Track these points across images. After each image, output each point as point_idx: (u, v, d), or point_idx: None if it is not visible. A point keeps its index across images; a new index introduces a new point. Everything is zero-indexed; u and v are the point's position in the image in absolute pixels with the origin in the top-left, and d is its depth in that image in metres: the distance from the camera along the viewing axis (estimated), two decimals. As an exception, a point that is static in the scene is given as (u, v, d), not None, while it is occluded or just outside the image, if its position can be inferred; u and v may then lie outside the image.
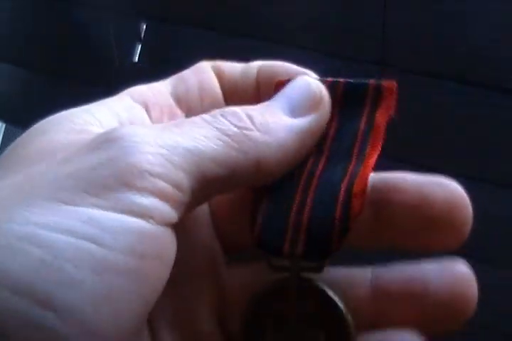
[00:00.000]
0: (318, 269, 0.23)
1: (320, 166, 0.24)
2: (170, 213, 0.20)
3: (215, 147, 0.21)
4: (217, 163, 0.21)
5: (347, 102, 0.24)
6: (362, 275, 0.23)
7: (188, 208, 0.21)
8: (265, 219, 0.23)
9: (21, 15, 0.85)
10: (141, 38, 0.77)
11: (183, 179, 0.20)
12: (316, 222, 0.22)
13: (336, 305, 0.22)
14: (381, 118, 0.24)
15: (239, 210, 0.25)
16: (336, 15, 0.64)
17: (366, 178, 0.23)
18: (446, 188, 0.23)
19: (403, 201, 0.23)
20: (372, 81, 0.24)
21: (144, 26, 0.76)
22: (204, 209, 0.25)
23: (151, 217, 0.19)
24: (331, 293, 0.22)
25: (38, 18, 0.85)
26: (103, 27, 0.78)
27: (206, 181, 0.21)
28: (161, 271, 0.19)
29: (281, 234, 0.23)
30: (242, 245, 0.25)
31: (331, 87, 0.24)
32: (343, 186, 0.23)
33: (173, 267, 0.20)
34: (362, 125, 0.24)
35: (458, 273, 0.22)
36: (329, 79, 0.25)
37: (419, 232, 0.23)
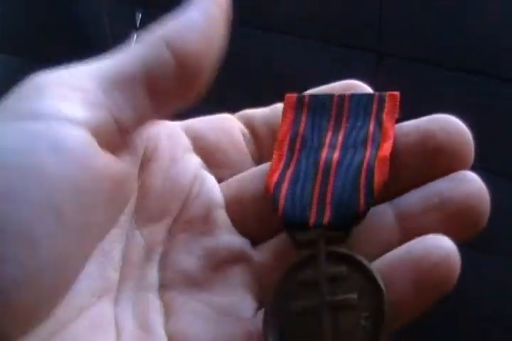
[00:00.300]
0: (344, 239, 0.23)
1: (336, 154, 0.25)
2: (83, 114, 0.21)
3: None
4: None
5: (354, 113, 0.26)
6: (383, 210, 0.24)
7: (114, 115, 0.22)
8: (289, 197, 0.24)
9: (14, 3, 0.85)
10: (136, 26, 0.76)
11: (87, 83, 0.22)
12: (340, 191, 0.24)
13: (365, 267, 0.22)
14: (388, 121, 0.25)
15: (255, 207, 0.26)
16: (336, 5, 0.64)
17: (387, 150, 0.24)
18: (444, 121, 0.24)
19: (406, 141, 0.24)
20: (376, 92, 0.26)
21: (140, 14, 0.76)
22: (221, 213, 0.26)
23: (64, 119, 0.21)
24: (359, 257, 0.23)
25: (31, 6, 0.84)
26: (98, 15, 0.77)
27: (113, 81, 0.22)
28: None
29: (306, 206, 0.24)
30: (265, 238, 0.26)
31: (338, 101, 0.26)
32: (365, 160, 0.24)
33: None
34: (371, 128, 0.25)
35: (472, 185, 0.23)
36: (336, 94, 0.26)
37: (423, 164, 0.24)
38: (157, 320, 0.24)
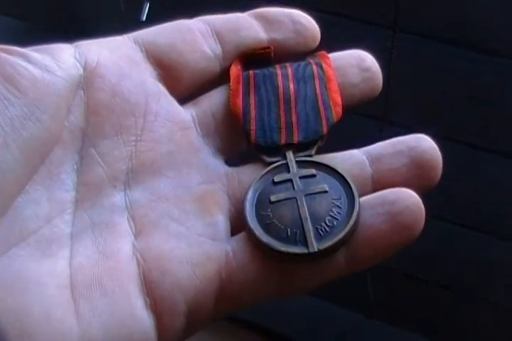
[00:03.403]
0: (310, 156, 0.26)
1: (291, 85, 0.27)
2: None
3: None
4: None
5: (295, 65, 0.28)
6: (354, 151, 0.26)
7: None
8: (258, 123, 0.27)
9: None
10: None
11: None
12: (304, 116, 0.27)
13: (332, 168, 0.25)
14: (327, 67, 0.28)
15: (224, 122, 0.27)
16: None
17: (335, 86, 0.27)
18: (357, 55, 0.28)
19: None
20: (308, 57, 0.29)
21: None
22: (191, 133, 0.26)
23: None
24: (326, 161, 0.26)
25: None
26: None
27: None
28: None
29: (276, 130, 0.26)
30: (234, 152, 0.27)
31: (282, 68, 0.28)
32: (318, 92, 0.27)
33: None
34: (314, 68, 0.28)
35: (429, 141, 0.25)
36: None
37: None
38: (121, 240, 0.23)
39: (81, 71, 0.25)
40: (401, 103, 0.61)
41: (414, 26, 0.61)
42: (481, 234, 0.63)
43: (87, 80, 0.25)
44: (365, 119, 0.61)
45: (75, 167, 0.24)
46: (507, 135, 0.61)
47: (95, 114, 0.24)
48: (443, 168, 0.25)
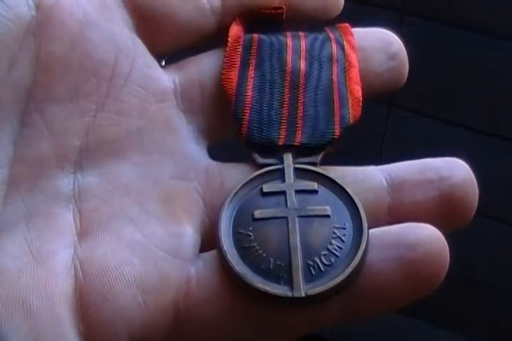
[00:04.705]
0: (314, 164, 0.20)
1: (302, 64, 0.22)
2: None
3: None
4: None
5: (311, 37, 0.23)
6: (371, 169, 0.21)
7: None
8: (255, 110, 0.21)
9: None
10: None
11: None
12: (313, 109, 0.21)
13: (338, 184, 0.20)
14: (350, 48, 0.22)
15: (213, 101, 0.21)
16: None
17: (357, 77, 0.22)
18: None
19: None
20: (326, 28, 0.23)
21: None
22: (169, 106, 0.21)
23: None
24: (332, 175, 0.20)
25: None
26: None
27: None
28: None
29: (275, 124, 0.21)
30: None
31: (294, 38, 0.23)
32: (335, 78, 0.21)
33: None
34: (334, 48, 0.22)
35: (465, 171, 0.20)
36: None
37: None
38: (60, 241, 0.18)
39: (33, 12, 0.19)
40: (408, 87, 0.60)
41: (422, 9, 0.60)
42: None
43: (41, 25, 0.19)
44: (371, 103, 0.61)
45: (13, 137, 0.18)
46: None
47: (46, 70, 0.19)
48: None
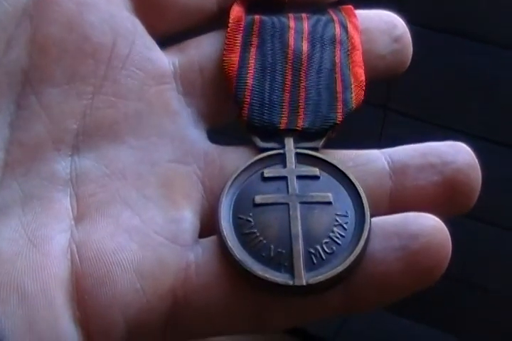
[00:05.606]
0: (315, 149, 0.20)
1: (305, 45, 0.22)
2: None
3: None
4: None
5: (313, 18, 0.23)
6: (374, 153, 0.21)
7: None
8: (256, 93, 0.21)
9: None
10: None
11: None
12: (315, 92, 0.21)
13: (341, 170, 0.20)
14: (353, 30, 0.22)
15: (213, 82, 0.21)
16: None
17: (360, 61, 0.21)
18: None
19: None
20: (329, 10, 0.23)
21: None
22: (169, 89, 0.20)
23: None
24: (334, 161, 0.20)
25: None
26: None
27: None
28: None
29: (276, 108, 0.21)
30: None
31: (296, 20, 0.22)
32: (337, 61, 0.21)
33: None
34: (337, 29, 0.22)
35: (469, 155, 0.20)
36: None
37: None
38: (57, 225, 0.18)
39: None
40: (404, 93, 0.61)
41: (419, 17, 0.60)
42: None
43: (37, 6, 0.19)
44: (367, 106, 0.61)
45: (9, 119, 0.18)
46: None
47: (43, 52, 0.19)
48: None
